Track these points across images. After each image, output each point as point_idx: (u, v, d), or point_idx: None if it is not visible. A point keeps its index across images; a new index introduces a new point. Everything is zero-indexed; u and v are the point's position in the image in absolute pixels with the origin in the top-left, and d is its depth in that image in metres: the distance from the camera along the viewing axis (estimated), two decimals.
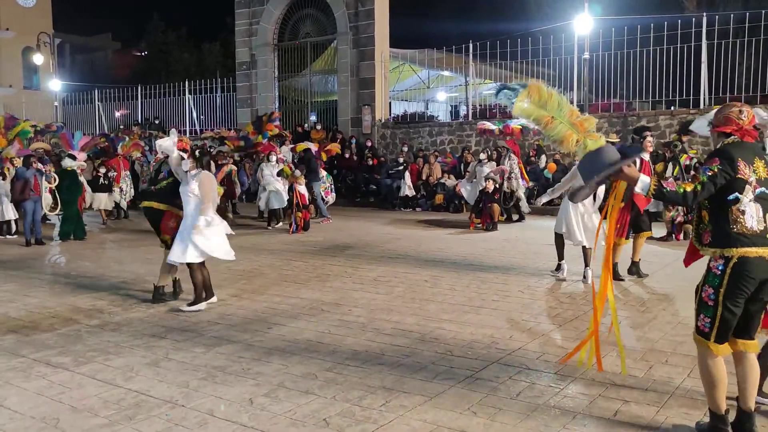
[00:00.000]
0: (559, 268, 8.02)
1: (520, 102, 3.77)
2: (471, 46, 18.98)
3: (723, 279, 3.42)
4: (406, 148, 18.89)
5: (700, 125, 4.34)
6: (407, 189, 16.89)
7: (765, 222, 3.42)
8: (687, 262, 4.02)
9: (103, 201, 14.14)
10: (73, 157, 11.95)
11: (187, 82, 25.46)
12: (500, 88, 3.90)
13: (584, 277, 7.69)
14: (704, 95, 15.66)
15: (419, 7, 29.22)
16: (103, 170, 14.14)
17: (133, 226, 13.77)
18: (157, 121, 25.40)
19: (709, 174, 3.41)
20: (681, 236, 10.98)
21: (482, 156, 14.05)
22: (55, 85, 28.77)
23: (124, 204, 15.04)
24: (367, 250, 10.47)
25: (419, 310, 6.57)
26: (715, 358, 3.50)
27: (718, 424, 3.54)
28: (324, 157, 15.91)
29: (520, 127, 12.79)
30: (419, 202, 16.88)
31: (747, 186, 3.41)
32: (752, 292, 3.43)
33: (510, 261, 9.18)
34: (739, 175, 3.41)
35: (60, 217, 11.99)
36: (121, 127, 24.44)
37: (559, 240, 7.93)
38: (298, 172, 13.29)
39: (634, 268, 8.05)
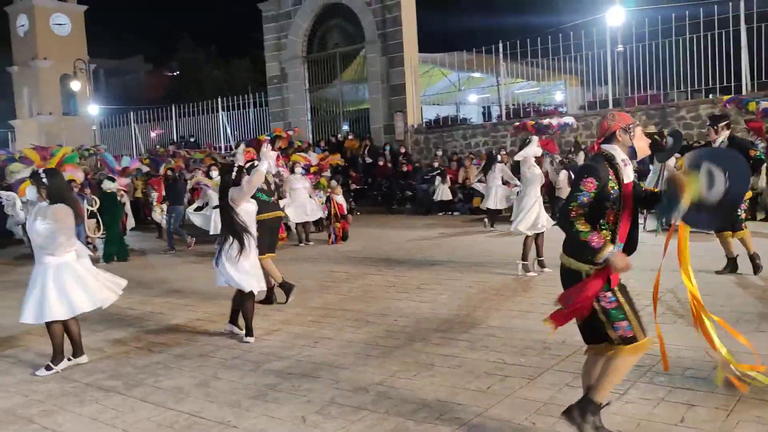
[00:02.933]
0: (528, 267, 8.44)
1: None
2: (500, 45, 18.79)
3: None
4: (440, 153, 18.76)
5: None
6: (443, 193, 16.72)
7: None
8: None
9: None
10: (112, 179, 12.12)
11: (219, 99, 25.76)
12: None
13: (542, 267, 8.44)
14: (746, 80, 15.21)
15: (445, 8, 29.07)
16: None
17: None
18: (192, 139, 25.73)
19: None
20: None
21: (499, 157, 13.96)
22: (93, 109, 29.39)
23: (164, 223, 15.18)
24: (408, 257, 10.37)
25: (466, 317, 6.45)
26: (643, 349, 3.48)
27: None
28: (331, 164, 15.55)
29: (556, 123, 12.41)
30: (457, 206, 16.73)
31: None
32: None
33: (553, 262, 8.97)
34: None
35: (103, 239, 12.18)
36: (158, 146, 24.81)
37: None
38: (334, 183, 13.28)
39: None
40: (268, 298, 7.54)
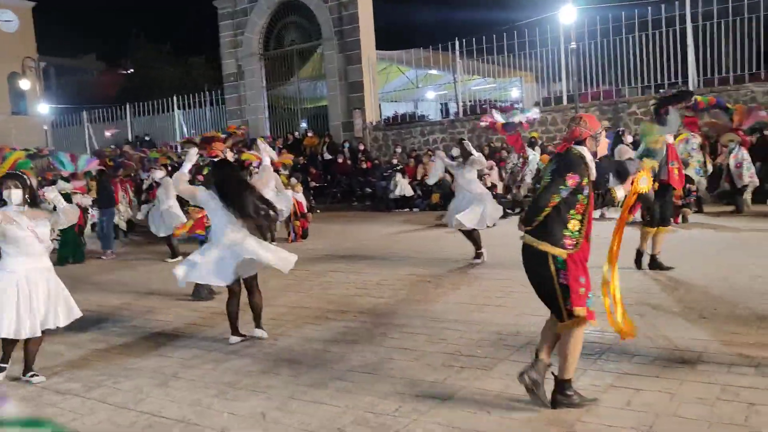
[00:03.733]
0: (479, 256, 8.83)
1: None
2: (457, 43, 18.99)
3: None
4: (399, 149, 18.88)
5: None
6: (401, 189, 16.81)
7: None
8: None
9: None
10: (67, 180, 11.89)
11: (175, 98, 25.43)
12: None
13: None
14: (693, 77, 15.71)
15: (402, 4, 29.15)
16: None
17: (132, 248, 13.74)
18: (147, 139, 25.35)
19: None
20: (679, 220, 11.00)
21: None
22: (43, 108, 28.71)
23: (123, 225, 14.92)
24: (368, 254, 10.45)
25: (425, 311, 6.56)
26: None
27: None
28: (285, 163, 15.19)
29: (526, 121, 12.47)
30: (416, 202, 16.87)
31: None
32: None
33: (510, 257, 9.11)
34: None
35: (58, 241, 11.93)
36: (113, 146, 24.39)
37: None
38: (293, 180, 13.26)
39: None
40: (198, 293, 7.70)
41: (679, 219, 11.01)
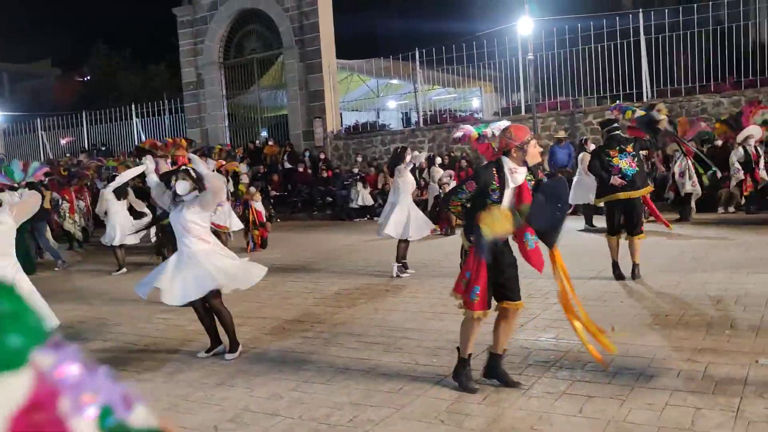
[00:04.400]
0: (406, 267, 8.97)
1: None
2: (417, 53, 19.13)
3: None
4: (360, 159, 18.89)
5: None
6: (361, 198, 16.82)
7: None
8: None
9: None
10: (15, 189, 11.58)
11: (133, 106, 25.04)
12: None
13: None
14: (646, 88, 16.10)
15: (363, 13, 29.24)
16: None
17: (85, 259, 13.47)
18: (104, 148, 24.90)
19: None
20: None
21: (438, 161, 14.19)
22: None
23: (79, 235, 14.61)
24: (327, 263, 10.42)
25: (382, 321, 6.56)
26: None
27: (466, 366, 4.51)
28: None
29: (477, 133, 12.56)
30: (377, 211, 16.87)
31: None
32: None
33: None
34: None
35: None
36: (68, 155, 23.90)
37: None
38: (253, 189, 13.16)
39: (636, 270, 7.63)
40: None
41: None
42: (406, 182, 8.88)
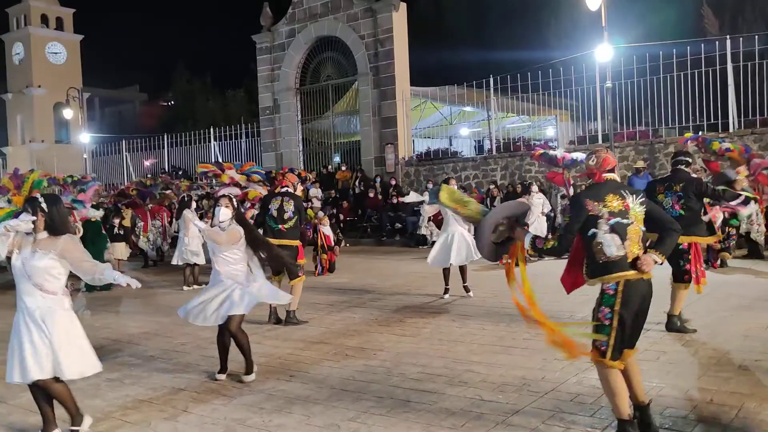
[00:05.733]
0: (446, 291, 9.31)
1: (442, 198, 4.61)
2: (491, 80, 18.93)
3: (615, 299, 3.86)
4: (430, 185, 18.74)
5: None
6: (423, 228, 16.37)
7: (624, 248, 3.85)
8: (568, 289, 4.46)
9: (117, 251, 13.58)
10: (98, 208, 11.99)
11: (212, 129, 25.84)
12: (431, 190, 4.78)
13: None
14: (733, 118, 15.34)
15: (438, 42, 29.34)
16: (117, 220, 13.79)
17: (156, 277, 13.78)
18: (180, 172, 25.71)
19: (564, 224, 4.03)
20: (717, 264, 10.61)
21: (534, 188, 13.84)
22: (84, 138, 29.42)
23: (152, 254, 15.01)
24: (393, 290, 10.26)
25: (447, 352, 6.33)
26: (613, 371, 3.92)
27: (626, 428, 3.90)
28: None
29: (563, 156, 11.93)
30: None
31: (599, 220, 3.86)
32: (635, 310, 3.88)
33: (541, 296, 8.86)
34: (590, 213, 3.88)
35: None
36: (148, 175, 24.79)
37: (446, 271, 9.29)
38: (321, 213, 13.20)
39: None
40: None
41: (717, 263, 10.62)
42: (447, 213, 9.28)
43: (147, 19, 66.88)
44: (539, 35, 26.29)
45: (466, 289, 9.30)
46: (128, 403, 5.21)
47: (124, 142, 28.82)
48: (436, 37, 30.12)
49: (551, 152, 11.58)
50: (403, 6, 20.74)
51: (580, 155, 11.00)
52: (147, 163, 28.46)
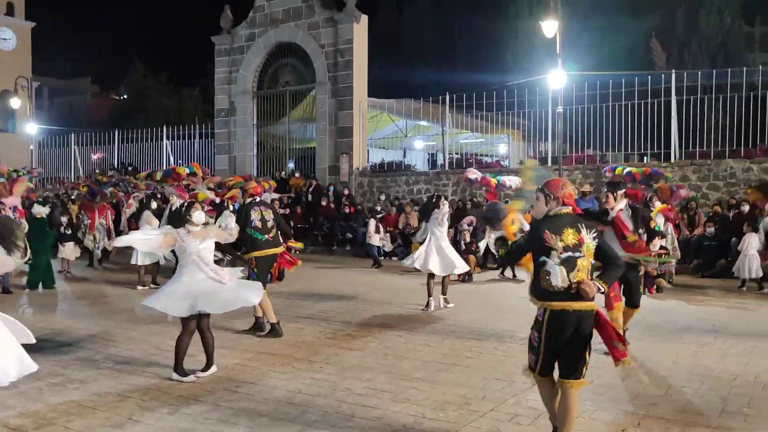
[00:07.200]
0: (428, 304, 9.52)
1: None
2: (448, 97, 19.28)
3: (542, 326, 4.12)
4: (383, 197, 18.95)
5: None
6: (372, 239, 16.22)
7: (569, 281, 4.02)
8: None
9: (66, 251, 13.37)
10: (43, 204, 11.75)
11: (165, 128, 25.49)
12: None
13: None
14: (674, 149, 16.02)
15: (398, 56, 29.67)
16: (65, 219, 13.52)
17: (102, 277, 13.56)
18: (130, 168, 25.30)
19: (519, 244, 4.40)
20: (653, 289, 11.07)
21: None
22: (31, 128, 28.63)
23: (98, 253, 14.73)
24: (342, 302, 10.37)
25: (392, 367, 6.48)
26: (540, 387, 4.31)
27: None
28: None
29: (496, 181, 12.49)
30: (396, 251, 16.84)
31: (553, 252, 4.05)
32: (564, 339, 4.07)
33: (485, 315, 9.12)
34: (546, 244, 4.06)
35: (29, 266, 11.74)
36: (97, 171, 24.33)
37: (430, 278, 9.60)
38: None
39: None
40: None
41: (654, 289, 11.08)
42: (436, 227, 9.73)
43: (103, 9, 65.46)
44: (498, 57, 26.82)
45: (446, 301, 9.77)
46: (72, 409, 5.19)
47: (73, 135, 28.14)
48: (397, 51, 30.42)
49: (472, 176, 12.27)
50: (365, 18, 20.92)
51: (514, 180, 11.68)
52: (95, 157, 27.86)
